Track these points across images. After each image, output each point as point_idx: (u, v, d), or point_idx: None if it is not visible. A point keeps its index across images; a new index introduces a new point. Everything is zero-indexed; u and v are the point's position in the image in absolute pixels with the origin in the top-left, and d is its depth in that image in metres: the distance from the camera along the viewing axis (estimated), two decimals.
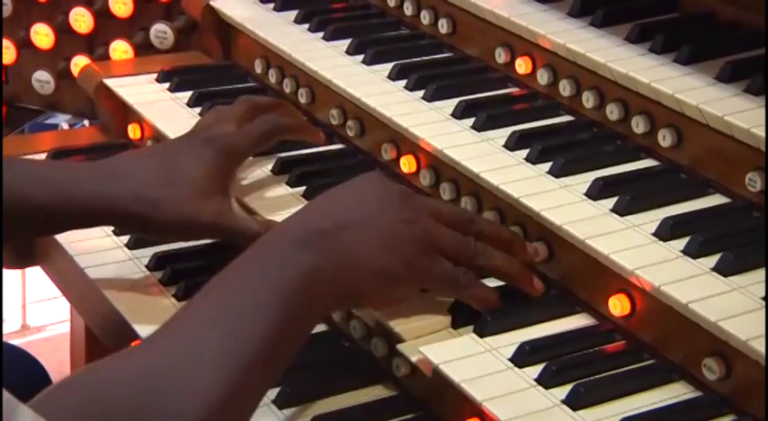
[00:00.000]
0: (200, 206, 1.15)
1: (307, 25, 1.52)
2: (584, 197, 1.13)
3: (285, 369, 0.95)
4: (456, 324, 1.06)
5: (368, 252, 0.98)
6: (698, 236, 1.04)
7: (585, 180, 1.14)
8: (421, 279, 1.03)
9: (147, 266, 1.27)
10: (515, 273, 1.08)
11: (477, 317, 1.05)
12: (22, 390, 0.76)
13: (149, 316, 1.19)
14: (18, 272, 2.50)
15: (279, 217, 1.24)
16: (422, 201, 1.06)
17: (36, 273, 1.60)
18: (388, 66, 1.39)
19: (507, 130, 1.24)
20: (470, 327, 1.05)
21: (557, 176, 1.16)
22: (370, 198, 1.02)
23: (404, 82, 1.36)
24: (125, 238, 1.32)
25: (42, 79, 1.91)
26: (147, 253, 1.29)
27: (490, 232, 1.08)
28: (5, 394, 0.71)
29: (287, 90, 1.49)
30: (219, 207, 1.16)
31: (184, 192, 1.14)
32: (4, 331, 2.55)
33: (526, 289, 1.08)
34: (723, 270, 1.01)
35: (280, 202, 1.27)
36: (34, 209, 1.13)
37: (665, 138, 1.17)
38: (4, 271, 1.42)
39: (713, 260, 1.02)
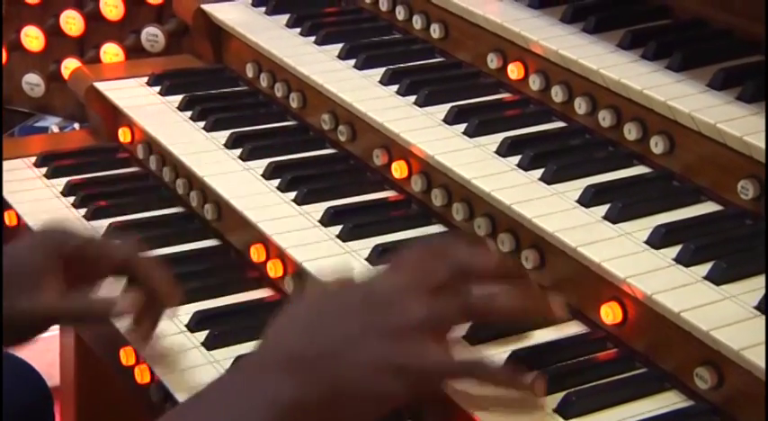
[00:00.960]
0: (13, 306, 1.01)
1: (299, 29, 1.51)
2: (577, 204, 1.12)
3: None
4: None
5: (357, 380, 0.87)
6: (690, 244, 1.04)
7: (578, 187, 1.14)
8: (420, 381, 0.89)
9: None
10: (529, 304, 0.92)
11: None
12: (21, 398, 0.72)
13: None
14: None
15: (269, 222, 1.23)
16: (389, 294, 0.90)
17: None
18: (380, 70, 1.38)
19: (499, 136, 1.23)
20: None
21: (549, 183, 1.16)
22: (350, 315, 0.89)
23: (396, 87, 1.35)
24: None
25: (32, 82, 1.90)
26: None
27: (484, 268, 0.93)
28: None
29: (278, 94, 1.48)
30: (33, 306, 1.02)
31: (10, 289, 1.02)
32: None
33: (549, 316, 0.94)
34: (715, 278, 1.01)
35: (271, 207, 1.27)
36: None
37: (657, 145, 1.17)
38: None
39: (705, 268, 1.02)
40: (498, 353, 1.02)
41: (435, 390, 0.92)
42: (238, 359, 1.09)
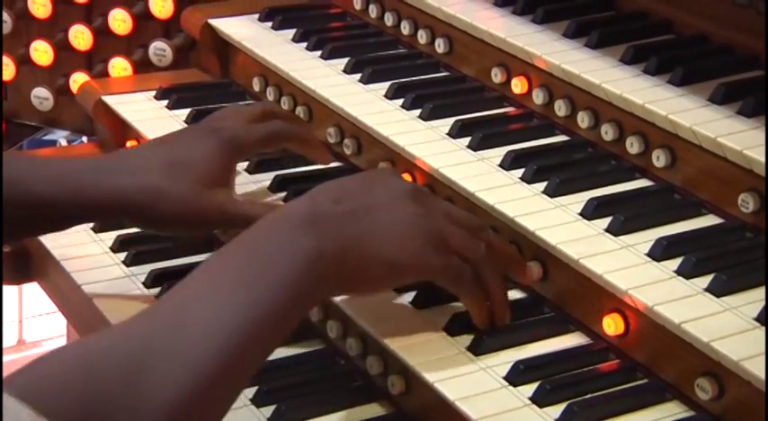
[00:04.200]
0: (203, 195, 1.15)
1: (305, 44, 1.53)
2: (579, 217, 1.13)
3: (278, 387, 0.95)
4: (452, 332, 1.06)
5: (376, 239, 0.98)
6: (691, 256, 1.05)
7: (580, 200, 1.15)
8: (426, 271, 1.02)
9: (143, 283, 1.28)
10: (503, 298, 1.07)
11: (472, 330, 1.05)
12: None
13: None
14: (15, 287, 2.50)
15: None
16: (435, 199, 1.07)
17: (32, 289, 1.60)
18: (386, 85, 1.40)
19: (503, 150, 1.24)
20: (465, 344, 1.06)
21: (552, 196, 1.17)
22: (381, 188, 1.02)
23: (401, 101, 1.37)
24: (122, 255, 1.33)
25: (41, 96, 1.92)
26: (144, 269, 1.30)
27: (497, 245, 1.08)
28: (10, 400, 0.71)
29: (285, 108, 1.49)
30: (222, 197, 1.17)
31: (187, 183, 1.15)
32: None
33: (497, 318, 1.06)
34: (716, 290, 1.02)
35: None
36: (40, 201, 1.13)
37: (659, 159, 1.18)
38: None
39: (706, 280, 1.03)
40: (501, 364, 1.03)
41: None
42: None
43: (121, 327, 0.89)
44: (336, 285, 0.99)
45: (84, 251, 1.32)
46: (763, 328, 0.97)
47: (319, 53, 1.50)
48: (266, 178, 1.36)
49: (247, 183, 1.36)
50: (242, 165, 1.39)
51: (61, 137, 1.98)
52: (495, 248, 1.07)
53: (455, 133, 1.29)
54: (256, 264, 0.93)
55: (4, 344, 2.60)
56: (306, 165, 1.38)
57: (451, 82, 1.43)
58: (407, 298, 1.12)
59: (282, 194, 1.32)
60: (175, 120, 1.51)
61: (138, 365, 0.84)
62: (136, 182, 1.14)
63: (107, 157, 1.20)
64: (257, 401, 1.08)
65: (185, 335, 0.87)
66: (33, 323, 2.66)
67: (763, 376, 0.92)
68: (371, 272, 0.99)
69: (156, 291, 1.26)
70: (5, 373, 0.79)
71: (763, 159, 1.08)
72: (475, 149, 1.26)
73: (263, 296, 0.91)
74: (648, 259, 1.06)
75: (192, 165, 1.16)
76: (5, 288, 1.84)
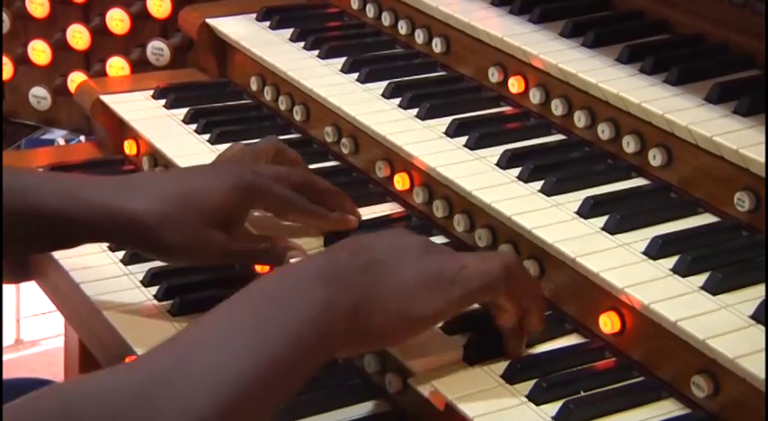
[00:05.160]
0: (208, 231, 1.14)
1: (302, 43, 1.53)
2: (576, 215, 1.14)
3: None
4: (449, 331, 1.06)
5: (390, 293, 0.96)
6: (687, 255, 1.05)
7: (577, 198, 1.16)
8: (443, 317, 1.01)
9: (142, 282, 1.28)
10: (521, 345, 1.05)
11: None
12: None
13: (144, 331, 1.20)
14: (12, 286, 2.50)
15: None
16: (450, 251, 1.03)
17: (30, 288, 1.60)
18: (383, 84, 1.40)
19: (500, 149, 1.25)
20: (462, 342, 1.06)
21: (548, 195, 1.17)
22: (395, 242, 0.99)
23: (398, 100, 1.37)
24: (120, 254, 1.33)
25: (39, 95, 1.92)
26: (143, 268, 1.30)
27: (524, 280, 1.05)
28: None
29: (282, 107, 1.50)
30: (225, 238, 1.15)
31: (194, 216, 1.13)
32: None
33: (510, 351, 1.04)
34: (711, 288, 1.02)
35: (274, 218, 1.28)
36: (51, 217, 1.12)
37: (655, 158, 1.19)
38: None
39: (702, 279, 1.03)
40: (497, 363, 1.04)
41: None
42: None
43: (115, 373, 0.86)
44: (351, 339, 0.96)
45: (82, 250, 1.31)
46: (759, 326, 0.98)
47: (317, 52, 1.50)
48: None
49: None
50: None
51: (59, 136, 1.98)
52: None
53: (452, 132, 1.29)
54: (262, 313, 0.91)
55: (2, 344, 2.60)
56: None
57: (449, 81, 1.43)
58: None
59: None
60: (173, 119, 1.51)
61: (132, 413, 0.81)
62: (145, 205, 1.12)
63: (121, 178, 1.18)
64: None
65: (185, 381, 0.84)
66: (31, 322, 2.66)
67: (757, 373, 0.92)
68: (387, 325, 0.96)
69: (154, 289, 1.27)
70: (4, 373, 0.79)
71: (758, 158, 1.08)
72: (472, 148, 1.26)
73: (267, 345, 0.89)
74: (644, 257, 1.07)
75: (205, 203, 1.14)
76: (4, 287, 1.84)
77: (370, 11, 1.56)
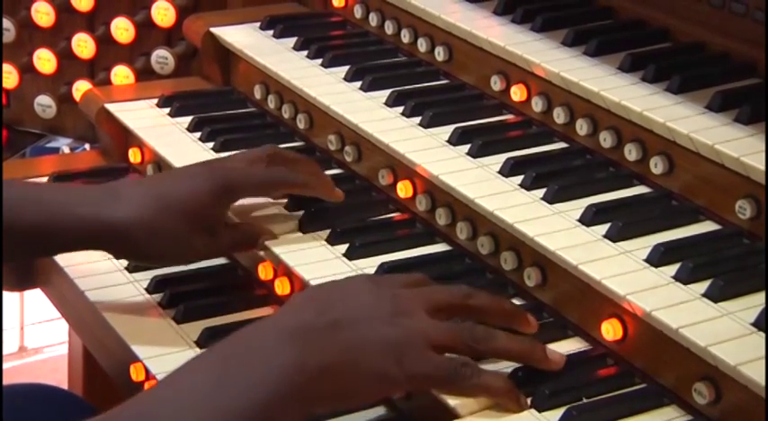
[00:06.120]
0: (192, 238, 1.16)
1: (306, 52, 1.54)
2: (578, 223, 1.14)
3: None
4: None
5: (360, 353, 0.94)
6: (689, 262, 1.06)
7: (579, 206, 1.16)
8: (416, 380, 0.96)
9: (146, 289, 1.29)
10: (526, 351, 1.01)
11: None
12: None
13: (148, 338, 1.20)
14: (16, 293, 2.51)
15: (275, 241, 1.26)
16: (413, 297, 1.00)
17: (34, 295, 1.61)
18: (386, 92, 1.41)
19: (502, 157, 1.25)
20: None
21: (550, 202, 1.18)
22: (361, 298, 0.97)
23: (401, 108, 1.38)
24: (125, 262, 1.33)
25: (44, 103, 1.93)
26: (147, 276, 1.30)
27: (490, 306, 1.03)
28: None
29: (286, 116, 1.51)
30: (209, 240, 1.18)
31: (175, 220, 1.15)
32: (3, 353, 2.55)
33: (542, 365, 1.01)
34: (713, 296, 1.03)
35: (276, 225, 1.29)
36: (32, 229, 1.13)
37: (656, 166, 1.19)
38: (3, 293, 1.43)
39: (704, 286, 1.04)
40: (501, 369, 1.04)
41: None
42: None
43: None
44: (322, 401, 0.94)
45: (87, 257, 1.32)
46: (760, 333, 0.98)
47: (320, 61, 1.51)
48: None
49: None
50: None
51: (64, 144, 1.99)
52: (489, 311, 1.02)
53: (455, 140, 1.30)
54: (233, 374, 0.90)
55: (6, 351, 2.60)
56: None
57: (451, 90, 1.44)
58: None
59: (284, 201, 1.33)
60: (177, 127, 1.52)
61: None
62: (125, 214, 1.14)
63: (100, 188, 1.20)
64: None
65: None
66: (35, 329, 2.66)
67: (759, 380, 0.93)
68: (361, 385, 0.94)
69: (158, 296, 1.27)
70: (6, 380, 0.79)
71: (759, 166, 1.09)
72: (474, 156, 1.27)
73: (237, 406, 0.88)
74: (646, 265, 1.07)
75: (183, 203, 1.16)
76: (7, 294, 1.85)
77: (373, 19, 1.57)
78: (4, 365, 2.50)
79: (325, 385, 0.92)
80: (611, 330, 1.06)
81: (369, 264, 1.21)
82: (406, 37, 1.52)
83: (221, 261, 1.36)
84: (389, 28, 1.54)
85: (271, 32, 1.61)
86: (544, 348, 1.02)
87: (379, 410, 1.10)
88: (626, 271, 1.06)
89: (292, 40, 1.57)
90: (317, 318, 0.94)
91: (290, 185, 1.26)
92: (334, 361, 0.93)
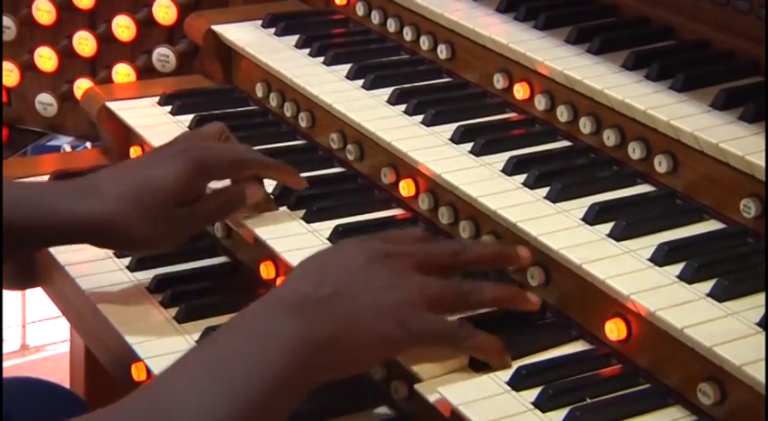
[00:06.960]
0: (171, 220, 1.17)
1: (307, 50, 1.54)
2: (581, 222, 1.14)
3: None
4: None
5: (362, 320, 0.97)
6: (693, 261, 1.05)
7: (582, 205, 1.16)
8: (418, 339, 1.00)
9: (147, 288, 1.29)
10: (509, 296, 1.08)
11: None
12: None
13: (149, 337, 1.20)
14: (18, 292, 2.51)
15: (277, 239, 1.25)
16: (405, 257, 1.03)
17: (36, 294, 1.61)
18: (388, 90, 1.40)
19: (505, 155, 1.25)
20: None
21: (554, 201, 1.17)
22: (356, 265, 1.00)
23: (403, 106, 1.37)
24: (126, 260, 1.33)
25: (45, 102, 1.92)
26: (148, 275, 1.30)
27: (478, 256, 1.09)
28: None
29: (287, 114, 1.50)
30: (189, 217, 1.19)
31: (154, 206, 1.16)
32: (4, 351, 2.55)
33: (523, 307, 1.07)
34: (718, 295, 1.02)
35: (280, 226, 1.28)
36: (16, 226, 1.13)
37: (660, 165, 1.19)
38: (4, 291, 1.42)
39: (708, 285, 1.03)
40: (504, 369, 1.04)
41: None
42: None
43: (103, 414, 0.87)
44: (329, 369, 0.97)
45: (88, 256, 1.32)
46: (765, 333, 0.97)
47: (322, 59, 1.50)
48: (268, 184, 1.36)
49: None
50: None
51: (65, 142, 1.98)
52: (478, 261, 1.08)
53: (457, 139, 1.30)
54: (239, 352, 0.92)
55: (8, 349, 2.60)
56: (309, 171, 1.39)
57: (454, 88, 1.43)
58: None
59: (286, 199, 1.33)
60: (179, 125, 1.51)
61: None
62: (103, 206, 1.14)
63: (74, 182, 1.20)
64: None
65: None
66: (36, 328, 2.66)
67: (764, 380, 0.92)
68: (366, 351, 0.98)
69: (159, 296, 1.27)
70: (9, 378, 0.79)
71: (764, 164, 1.08)
72: (477, 155, 1.26)
73: (246, 383, 0.90)
74: (650, 264, 1.07)
75: (159, 188, 1.16)
76: (8, 293, 1.85)
77: (376, 17, 1.57)
78: (6, 363, 2.49)
79: (331, 355, 0.95)
80: (614, 330, 1.06)
81: None
82: (408, 35, 1.51)
83: (222, 260, 1.36)
84: (392, 26, 1.54)
85: (272, 30, 1.60)
86: (524, 292, 1.08)
87: (381, 410, 1.10)
88: (630, 270, 1.06)
89: (294, 38, 1.57)
90: (316, 291, 0.96)
91: (262, 166, 1.27)
92: (337, 330, 0.95)
